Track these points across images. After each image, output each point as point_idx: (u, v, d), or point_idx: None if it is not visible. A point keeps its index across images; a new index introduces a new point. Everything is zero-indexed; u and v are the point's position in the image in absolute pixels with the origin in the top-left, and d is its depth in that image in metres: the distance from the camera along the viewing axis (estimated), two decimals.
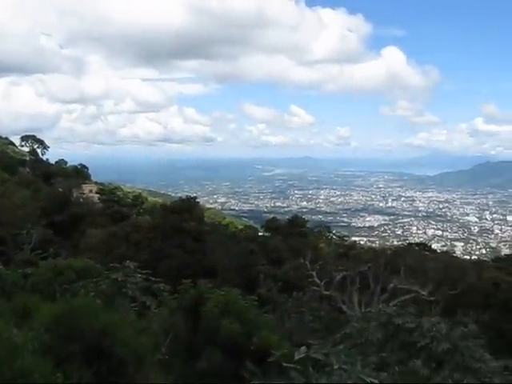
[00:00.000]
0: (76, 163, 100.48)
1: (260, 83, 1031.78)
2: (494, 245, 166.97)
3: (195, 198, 44.91)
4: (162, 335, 9.72)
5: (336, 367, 3.83)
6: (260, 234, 64.49)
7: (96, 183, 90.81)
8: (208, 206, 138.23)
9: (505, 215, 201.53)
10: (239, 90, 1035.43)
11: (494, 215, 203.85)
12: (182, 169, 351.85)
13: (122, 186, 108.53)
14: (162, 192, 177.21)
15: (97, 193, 76.55)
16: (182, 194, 55.66)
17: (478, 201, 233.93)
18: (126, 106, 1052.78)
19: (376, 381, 4.22)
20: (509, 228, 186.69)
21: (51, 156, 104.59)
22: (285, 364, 3.92)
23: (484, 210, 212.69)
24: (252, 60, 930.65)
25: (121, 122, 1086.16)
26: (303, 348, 4.01)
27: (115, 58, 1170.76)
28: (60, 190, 59.73)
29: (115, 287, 10.12)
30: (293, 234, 54.70)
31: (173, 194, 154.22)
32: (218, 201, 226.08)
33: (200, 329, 11.07)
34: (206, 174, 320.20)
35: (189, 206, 41.05)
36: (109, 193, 78.38)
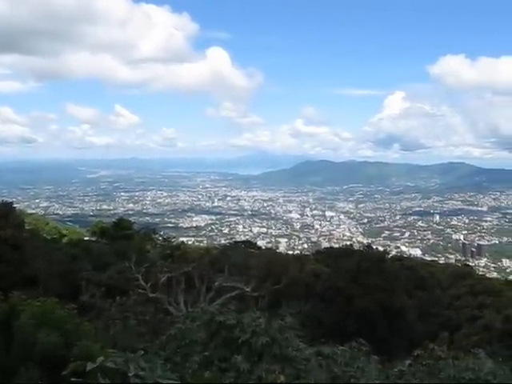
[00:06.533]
0: None
1: (83, 82, 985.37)
2: (314, 239, 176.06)
3: (11, 202, 42.10)
4: None
5: (131, 374, 3.76)
6: (85, 238, 62.42)
7: None
8: (30, 211, 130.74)
9: (324, 211, 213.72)
10: (61, 88, 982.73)
11: (314, 211, 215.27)
12: (0, 172, 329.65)
13: None
14: None
15: None
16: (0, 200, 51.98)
17: (300, 198, 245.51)
18: None
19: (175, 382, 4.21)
20: (327, 223, 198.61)
21: None
22: (73, 379, 3.78)
23: (305, 207, 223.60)
24: (75, 57, 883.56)
25: None
26: (100, 358, 3.89)
27: None
28: None
29: None
30: (118, 237, 53.46)
31: None
32: (41, 205, 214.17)
33: (14, 344, 10.38)
34: (26, 177, 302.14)
35: (4, 212, 38.52)
36: None
